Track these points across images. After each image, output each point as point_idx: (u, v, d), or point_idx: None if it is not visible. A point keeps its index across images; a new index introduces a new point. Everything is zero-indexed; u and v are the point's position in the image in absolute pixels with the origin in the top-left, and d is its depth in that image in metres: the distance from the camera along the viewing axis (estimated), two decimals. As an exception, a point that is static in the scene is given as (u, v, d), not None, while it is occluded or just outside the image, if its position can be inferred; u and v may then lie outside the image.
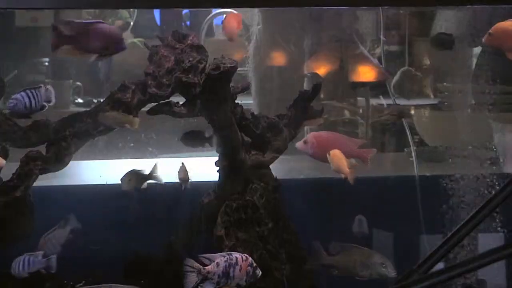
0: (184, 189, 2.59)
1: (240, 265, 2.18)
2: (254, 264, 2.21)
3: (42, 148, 2.42)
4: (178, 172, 2.61)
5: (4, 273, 2.39)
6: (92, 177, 3.17)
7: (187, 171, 2.60)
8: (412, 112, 4.00)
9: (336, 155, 2.48)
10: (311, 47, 4.02)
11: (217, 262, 2.14)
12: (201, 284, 2.13)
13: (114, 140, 3.28)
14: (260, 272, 2.23)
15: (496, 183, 3.20)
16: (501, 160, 3.40)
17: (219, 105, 2.43)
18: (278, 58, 4.11)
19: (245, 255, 2.22)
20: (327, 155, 2.48)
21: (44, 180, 2.47)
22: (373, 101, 4.12)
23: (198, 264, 2.13)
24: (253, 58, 3.96)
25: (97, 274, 2.50)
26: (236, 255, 2.19)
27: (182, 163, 2.62)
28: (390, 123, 4.06)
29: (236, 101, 2.54)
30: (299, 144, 2.61)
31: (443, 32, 3.60)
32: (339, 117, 4.19)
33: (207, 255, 2.17)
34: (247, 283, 2.19)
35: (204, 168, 2.64)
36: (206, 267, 2.13)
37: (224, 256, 2.17)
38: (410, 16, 4.22)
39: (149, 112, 2.45)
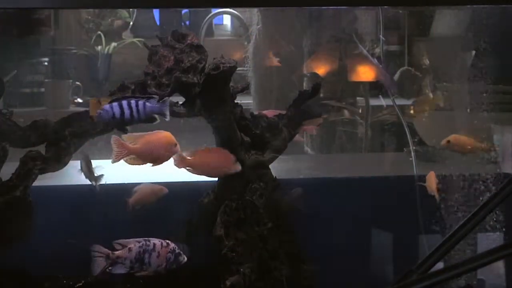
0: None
1: (158, 252, 2.19)
2: (177, 251, 2.22)
3: (41, 148, 2.42)
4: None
5: (4, 273, 2.40)
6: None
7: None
8: (412, 111, 4.00)
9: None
10: (310, 47, 4.03)
11: (129, 248, 2.17)
12: (109, 268, 2.16)
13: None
14: (185, 259, 2.24)
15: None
16: (500, 160, 3.40)
17: (219, 105, 2.43)
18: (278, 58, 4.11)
19: (166, 241, 2.23)
20: None
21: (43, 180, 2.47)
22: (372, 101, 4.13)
23: (106, 249, 2.15)
24: (252, 58, 3.97)
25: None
26: (154, 241, 2.21)
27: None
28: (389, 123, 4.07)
29: (235, 101, 2.54)
30: None
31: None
32: (339, 117, 4.20)
33: (121, 241, 2.19)
34: (169, 269, 2.21)
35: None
36: (116, 252, 2.16)
37: (140, 242, 2.19)
38: (409, 16, 4.22)
39: (149, 112, 2.45)
